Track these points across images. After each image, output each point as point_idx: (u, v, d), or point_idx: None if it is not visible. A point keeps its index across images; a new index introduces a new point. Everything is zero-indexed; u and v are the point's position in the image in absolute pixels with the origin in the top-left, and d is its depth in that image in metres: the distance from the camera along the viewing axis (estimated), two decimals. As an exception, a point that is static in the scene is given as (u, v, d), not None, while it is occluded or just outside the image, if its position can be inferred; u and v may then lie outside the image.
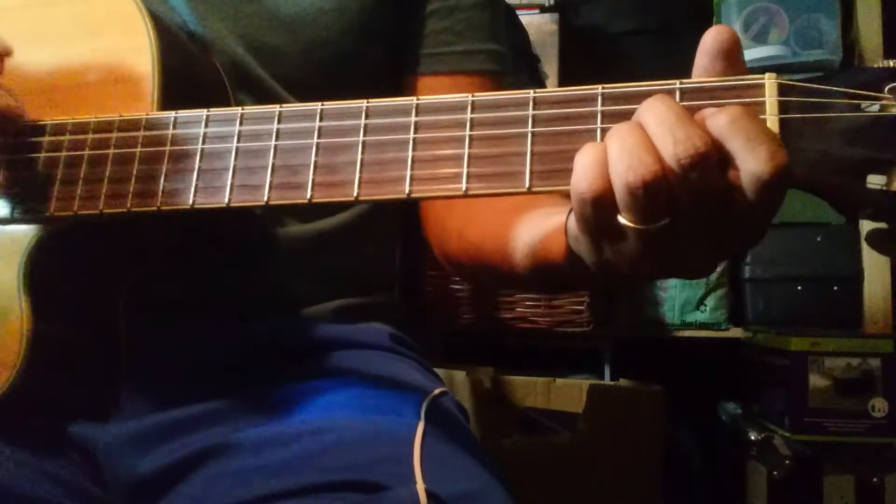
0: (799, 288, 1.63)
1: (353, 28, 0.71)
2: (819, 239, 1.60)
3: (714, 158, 0.39)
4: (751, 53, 1.72)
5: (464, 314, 1.71)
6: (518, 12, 1.85)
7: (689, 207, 0.40)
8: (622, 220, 0.41)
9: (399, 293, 0.82)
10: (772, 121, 0.41)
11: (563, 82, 1.87)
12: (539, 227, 0.56)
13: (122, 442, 0.61)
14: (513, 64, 0.79)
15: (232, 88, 0.65)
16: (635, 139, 0.40)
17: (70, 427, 0.62)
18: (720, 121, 0.40)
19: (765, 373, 1.56)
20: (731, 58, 0.43)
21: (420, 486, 0.50)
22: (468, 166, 0.45)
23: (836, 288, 1.60)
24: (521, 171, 0.44)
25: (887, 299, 1.54)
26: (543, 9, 1.92)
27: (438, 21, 0.74)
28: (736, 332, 1.68)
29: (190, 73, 0.62)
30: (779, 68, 1.72)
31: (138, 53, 0.58)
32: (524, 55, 1.79)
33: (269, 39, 0.69)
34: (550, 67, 1.87)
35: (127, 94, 0.58)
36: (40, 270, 0.56)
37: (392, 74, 0.76)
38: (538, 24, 1.90)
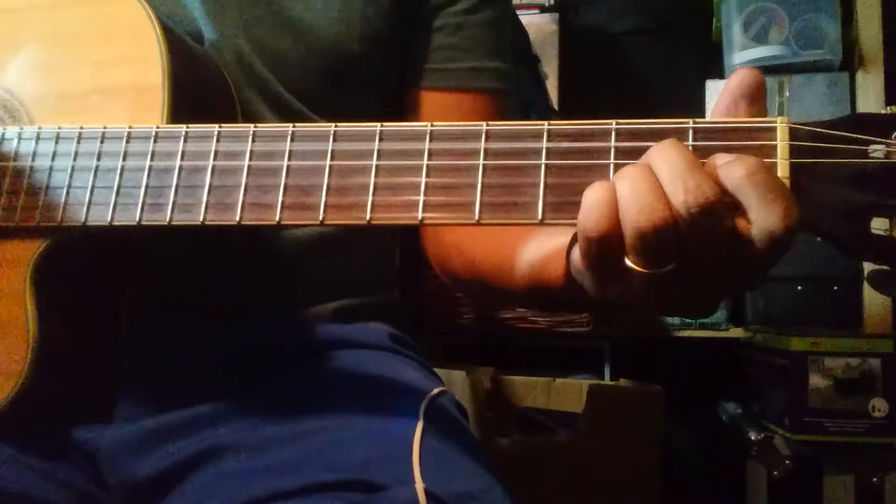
0: (799, 288, 1.63)
1: (357, 38, 0.71)
2: (819, 239, 1.60)
3: (722, 208, 0.40)
4: (751, 53, 1.72)
5: (464, 314, 1.71)
6: (518, 12, 1.85)
7: (696, 254, 0.41)
8: (629, 262, 0.41)
9: (399, 293, 0.82)
10: (783, 165, 0.41)
11: (563, 82, 1.88)
12: (540, 248, 0.56)
13: (122, 444, 0.61)
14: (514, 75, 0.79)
15: (239, 86, 0.65)
16: (647, 184, 0.40)
17: (72, 430, 0.62)
18: (736, 172, 0.40)
19: (765, 373, 1.56)
20: (755, 100, 0.43)
21: (419, 486, 0.51)
22: (481, 195, 0.45)
23: (836, 288, 1.59)
24: (533, 203, 0.44)
25: (887, 299, 1.54)
26: (543, 9, 1.92)
27: (446, 37, 0.74)
28: (736, 332, 1.68)
29: (198, 83, 0.62)
30: (779, 68, 1.72)
31: (148, 63, 0.58)
32: (524, 55, 1.79)
33: (274, 43, 0.69)
34: (550, 67, 1.87)
35: (136, 104, 0.57)
36: (47, 278, 0.56)
37: (395, 84, 0.76)
38: (538, 24, 1.90)
